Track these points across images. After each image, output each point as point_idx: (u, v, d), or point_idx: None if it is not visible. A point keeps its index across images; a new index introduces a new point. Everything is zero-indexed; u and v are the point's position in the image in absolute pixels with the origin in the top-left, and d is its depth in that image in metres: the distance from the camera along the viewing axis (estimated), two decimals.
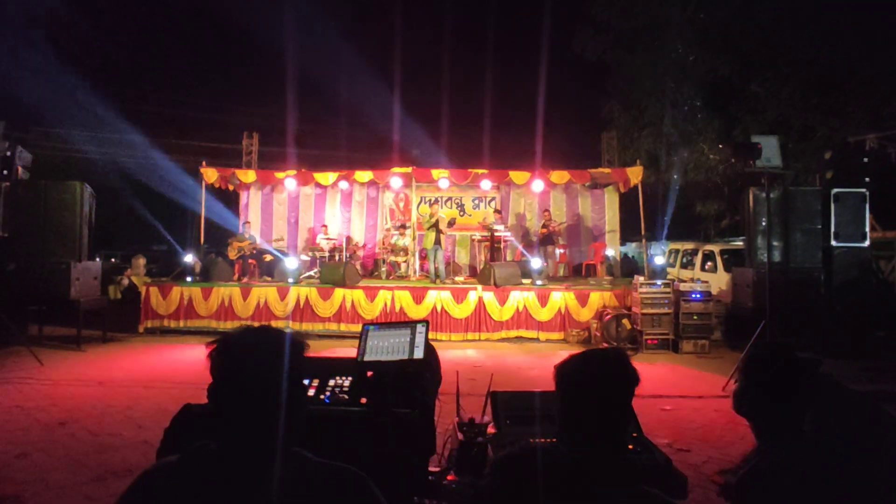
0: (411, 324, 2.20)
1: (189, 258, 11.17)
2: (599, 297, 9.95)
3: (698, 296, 9.05)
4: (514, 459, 1.30)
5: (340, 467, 1.17)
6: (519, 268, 10.77)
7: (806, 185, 11.46)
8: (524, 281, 10.52)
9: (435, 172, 12.85)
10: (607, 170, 13.18)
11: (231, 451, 1.11)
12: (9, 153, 8.48)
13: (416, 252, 12.80)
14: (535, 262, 11.17)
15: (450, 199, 14.58)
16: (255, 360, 1.14)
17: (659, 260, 10.96)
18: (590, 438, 1.26)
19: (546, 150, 16.87)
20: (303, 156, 18.92)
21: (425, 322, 2.21)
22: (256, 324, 1.34)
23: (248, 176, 13.33)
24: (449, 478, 2.10)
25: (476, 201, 14.65)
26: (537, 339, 9.94)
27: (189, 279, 10.82)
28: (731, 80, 15.43)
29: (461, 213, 14.47)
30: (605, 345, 8.90)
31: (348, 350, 7.76)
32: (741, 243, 11.08)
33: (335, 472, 1.16)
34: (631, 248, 21.85)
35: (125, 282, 11.64)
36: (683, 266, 13.37)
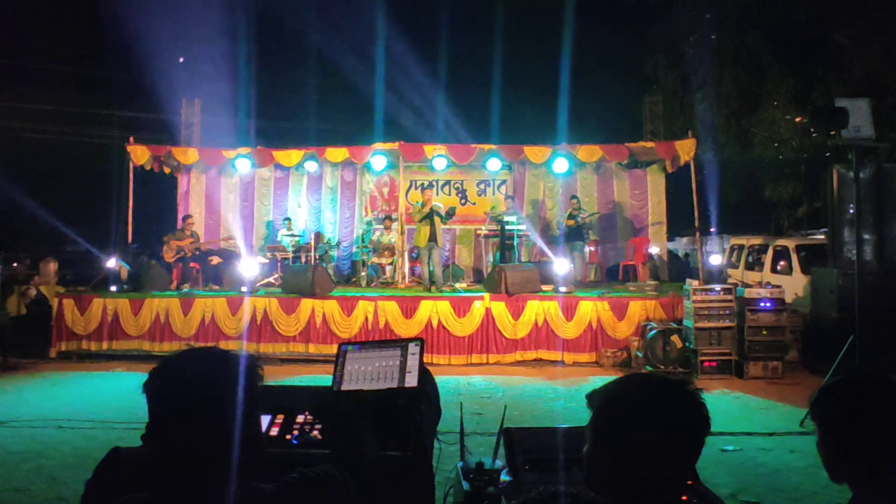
0: (402, 342, 2.21)
1: (113, 262, 11.17)
2: (641, 308, 10.00)
3: (768, 304, 9.06)
4: None
5: None
6: (537, 271, 10.79)
7: None
8: (544, 288, 10.55)
9: (428, 148, 12.83)
10: (650, 143, 13.18)
11: (168, 503, 1.13)
12: None
13: (404, 252, 12.81)
14: (559, 264, 11.20)
15: (448, 183, 14.59)
16: (201, 392, 1.16)
17: (715, 259, 10.99)
18: (632, 488, 1.26)
19: (573, 119, 16.90)
20: (260, 129, 18.97)
21: (419, 340, 2.21)
22: (200, 344, 1.37)
23: (189, 155, 13.30)
24: None
25: (482, 186, 14.66)
26: (561, 362, 9.95)
27: (114, 288, 10.81)
28: (809, 28, 15.44)
29: (462, 202, 14.48)
30: (650, 368, 8.93)
31: (319, 377, 7.73)
32: (823, 237, 11.10)
33: None
34: (681, 245, 21.91)
35: (32, 292, 11.63)
36: (749, 266, 13.40)
